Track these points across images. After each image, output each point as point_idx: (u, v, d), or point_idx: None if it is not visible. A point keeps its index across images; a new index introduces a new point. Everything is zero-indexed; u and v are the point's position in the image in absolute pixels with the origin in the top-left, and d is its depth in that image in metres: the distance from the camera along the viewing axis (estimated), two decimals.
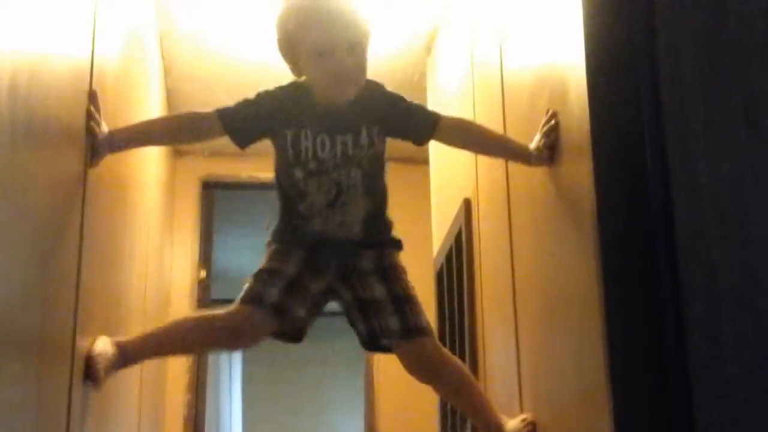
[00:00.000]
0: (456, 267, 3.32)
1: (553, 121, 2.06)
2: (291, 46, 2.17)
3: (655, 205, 1.65)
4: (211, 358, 5.90)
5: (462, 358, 3.12)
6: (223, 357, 7.21)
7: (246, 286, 2.16)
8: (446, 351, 2.24)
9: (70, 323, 1.99)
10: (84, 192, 2.10)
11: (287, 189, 2.21)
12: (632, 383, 1.62)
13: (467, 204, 3.22)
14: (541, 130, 2.11)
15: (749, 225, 1.62)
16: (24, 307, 1.60)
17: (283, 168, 2.21)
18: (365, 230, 2.20)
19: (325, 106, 2.17)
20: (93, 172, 2.16)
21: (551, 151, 2.07)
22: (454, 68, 3.59)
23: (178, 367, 4.85)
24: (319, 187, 2.16)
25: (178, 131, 2.38)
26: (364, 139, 2.17)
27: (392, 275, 2.20)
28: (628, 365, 1.64)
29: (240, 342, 2.23)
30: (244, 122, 2.19)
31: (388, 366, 5.06)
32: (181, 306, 5.10)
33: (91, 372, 2.04)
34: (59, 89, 1.83)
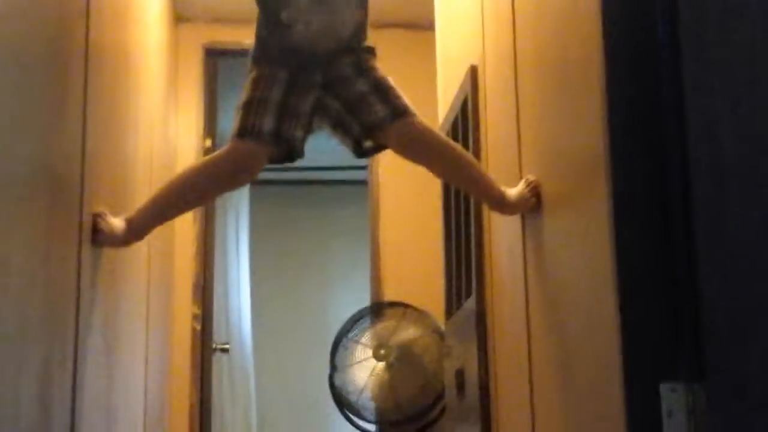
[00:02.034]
0: (461, 135, 3.30)
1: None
2: None
3: (664, 73, 1.62)
4: (218, 227, 5.94)
5: (467, 226, 3.15)
6: (230, 227, 7.26)
7: (236, 120, 2.16)
8: (435, 129, 2.33)
9: (77, 191, 2.00)
10: (86, 60, 2.07)
11: None
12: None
13: (473, 71, 3.18)
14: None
15: None
16: (31, 175, 1.60)
17: None
18: (353, 35, 2.21)
19: None
20: (94, 41, 2.14)
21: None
22: None
23: (185, 233, 4.89)
24: None
25: None
26: None
27: (371, 72, 2.23)
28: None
29: (243, 178, 2.25)
30: None
31: (393, 235, 5.13)
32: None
33: (97, 231, 2.10)
34: None
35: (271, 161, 2.20)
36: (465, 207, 3.20)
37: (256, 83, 2.19)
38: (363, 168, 5.54)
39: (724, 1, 1.59)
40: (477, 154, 3.01)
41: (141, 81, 3.26)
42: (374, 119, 2.19)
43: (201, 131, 5.12)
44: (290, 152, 2.20)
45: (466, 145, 3.18)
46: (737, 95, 1.56)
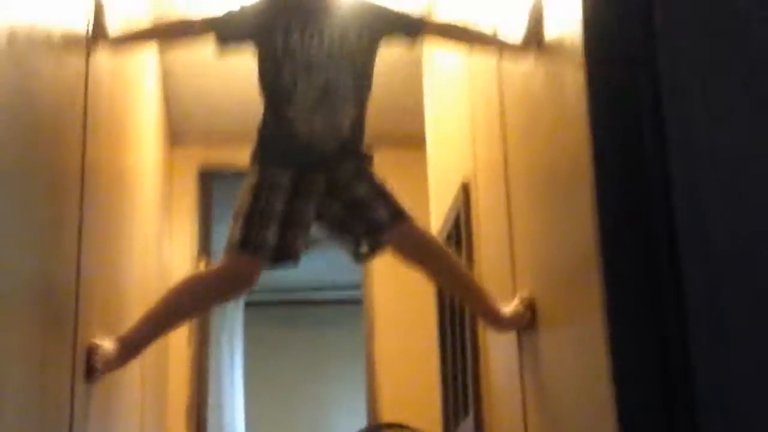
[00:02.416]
0: (455, 251, 3.31)
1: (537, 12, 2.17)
2: None
3: (653, 174, 1.64)
4: (212, 349, 5.89)
5: (463, 347, 3.12)
6: (225, 350, 7.20)
7: (236, 230, 2.14)
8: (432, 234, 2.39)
9: (72, 315, 1.99)
10: (82, 180, 2.09)
11: (274, 93, 2.24)
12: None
13: (465, 188, 3.21)
14: (528, 19, 2.20)
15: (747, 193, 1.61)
16: (26, 300, 1.59)
17: (270, 70, 2.23)
18: (349, 136, 2.24)
19: (311, 4, 2.25)
20: (90, 163, 2.15)
21: (536, 37, 2.16)
22: (448, 54, 3.56)
23: (179, 355, 4.84)
24: (308, 83, 2.20)
25: (167, 30, 2.49)
26: (351, 36, 2.22)
27: (371, 177, 2.28)
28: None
29: (242, 290, 2.25)
30: (230, 19, 2.25)
31: (388, 354, 5.08)
32: None
33: (91, 366, 2.06)
34: (55, 75, 1.82)
35: (273, 268, 2.20)
36: (460, 325, 3.18)
37: (258, 190, 2.18)
38: (357, 288, 5.53)
39: (707, 110, 1.62)
40: (471, 269, 3.00)
41: (136, 202, 3.28)
42: (377, 221, 2.23)
43: (195, 253, 5.12)
44: (289, 258, 2.21)
45: None
46: (725, 202, 1.58)
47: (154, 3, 3.81)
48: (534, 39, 2.17)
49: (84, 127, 2.12)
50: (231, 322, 7.20)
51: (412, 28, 2.30)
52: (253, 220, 2.14)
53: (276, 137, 2.24)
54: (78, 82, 2.08)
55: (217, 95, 4.69)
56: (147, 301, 3.46)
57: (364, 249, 2.28)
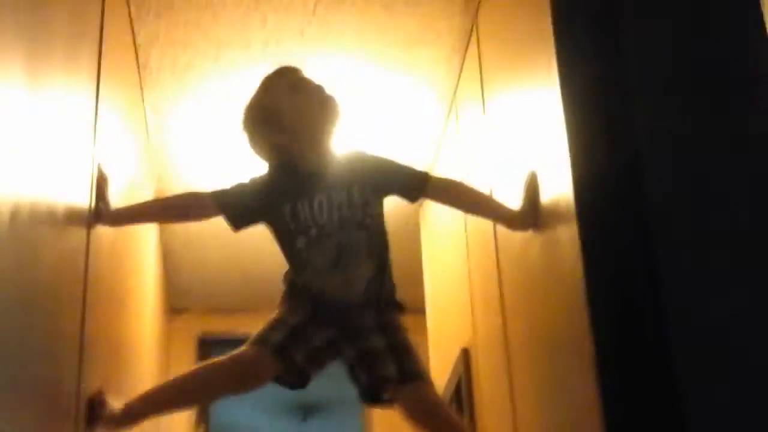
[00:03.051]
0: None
1: (532, 183, 2.17)
2: (267, 117, 2.30)
3: (652, 343, 1.64)
4: None
5: None
6: None
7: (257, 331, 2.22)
8: (444, 402, 2.29)
9: None
10: (81, 352, 2.08)
11: (291, 259, 2.28)
12: None
13: (465, 353, 3.19)
14: (523, 188, 2.21)
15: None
16: None
17: (284, 241, 2.27)
18: (368, 291, 2.24)
19: (314, 168, 2.26)
20: (90, 334, 2.16)
21: (534, 211, 2.16)
22: (446, 215, 3.62)
23: None
24: (320, 252, 2.22)
25: (174, 209, 2.47)
26: (356, 196, 2.24)
27: (392, 329, 2.24)
28: None
29: (246, 383, 2.21)
30: (239, 201, 2.27)
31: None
32: None
33: (92, 416, 2.10)
34: (57, 249, 1.84)
35: (278, 381, 2.21)
36: None
37: (281, 308, 2.26)
38: None
39: (706, 266, 1.64)
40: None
41: (135, 373, 3.26)
42: (383, 376, 2.18)
43: (194, 420, 5.04)
44: (298, 378, 2.22)
45: None
46: (730, 386, 1.58)
47: (157, 174, 3.90)
48: (531, 209, 2.19)
49: (84, 298, 2.13)
50: None
51: (416, 187, 2.32)
52: (267, 325, 2.21)
53: (297, 291, 2.28)
54: (79, 255, 2.11)
55: (216, 266, 4.73)
56: None
57: (368, 399, 2.25)
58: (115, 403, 2.18)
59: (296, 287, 2.28)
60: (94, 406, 2.12)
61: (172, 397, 2.25)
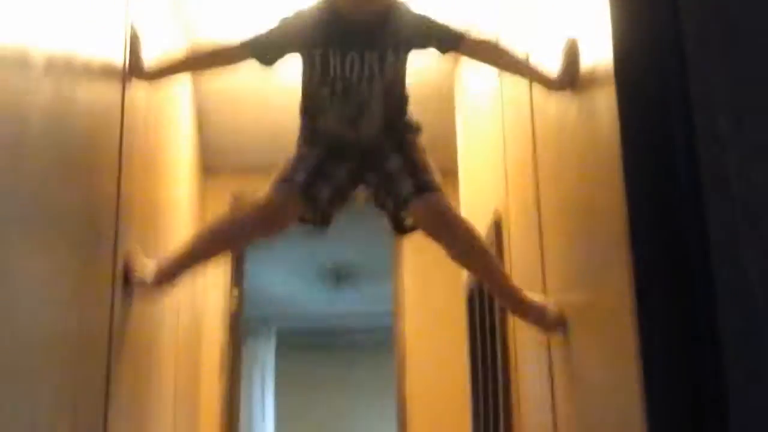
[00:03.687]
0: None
1: (572, 49, 2.13)
2: None
3: (687, 209, 1.63)
4: (244, 383, 5.89)
5: (495, 382, 3.11)
6: (256, 385, 7.18)
7: (277, 173, 2.25)
8: (458, 213, 2.33)
9: (104, 357, 2.00)
10: (117, 212, 2.11)
11: (311, 105, 2.30)
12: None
13: (497, 224, 3.20)
14: (562, 53, 2.18)
15: None
16: (58, 346, 1.61)
17: (310, 85, 2.28)
18: (385, 133, 2.29)
19: (355, 21, 2.22)
20: (126, 192, 2.18)
21: (572, 75, 2.14)
22: (481, 79, 3.58)
23: (211, 389, 4.86)
24: (342, 107, 2.25)
25: (205, 57, 2.47)
26: (390, 56, 2.23)
27: (408, 149, 2.28)
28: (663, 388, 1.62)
29: (275, 223, 2.26)
30: (268, 43, 2.26)
31: (419, 390, 5.06)
32: (215, 323, 5.11)
33: (129, 274, 2.18)
34: (92, 108, 1.84)
35: (303, 221, 2.26)
36: (492, 358, 3.17)
37: (298, 148, 2.30)
38: (387, 323, 5.54)
39: (742, 145, 1.62)
40: (503, 318, 2.99)
41: (171, 231, 3.30)
42: (401, 194, 2.23)
43: (228, 281, 5.14)
44: (321, 217, 2.27)
45: (491, 304, 3.18)
46: (761, 241, 1.56)
47: (188, 33, 3.87)
48: (569, 77, 2.16)
49: (119, 156, 2.15)
50: (263, 356, 7.21)
51: (449, 43, 2.30)
52: (288, 164, 2.25)
53: (312, 137, 2.31)
54: (114, 112, 2.11)
55: (249, 126, 4.73)
56: (179, 341, 3.47)
57: (397, 224, 2.30)
58: (149, 264, 2.21)
59: (314, 128, 2.30)
60: (128, 267, 2.17)
61: (204, 247, 2.28)
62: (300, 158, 2.26)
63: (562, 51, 2.18)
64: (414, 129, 2.33)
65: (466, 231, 2.27)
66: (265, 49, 2.25)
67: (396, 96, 2.30)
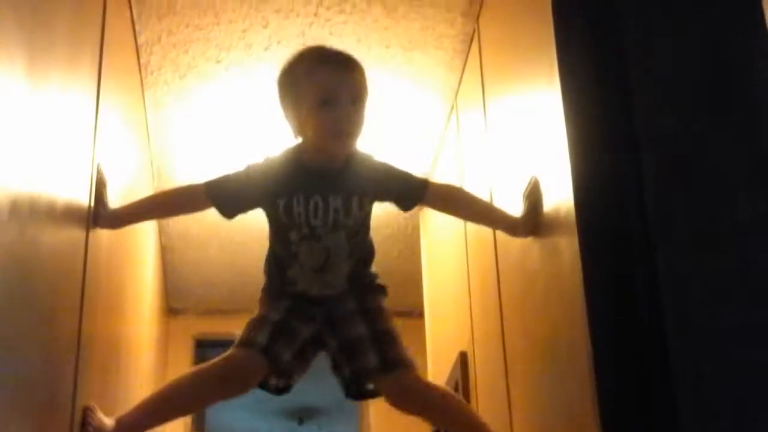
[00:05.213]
0: None
1: (534, 190, 2.15)
2: (295, 95, 2.17)
3: (648, 351, 1.64)
4: None
5: None
6: None
7: (240, 334, 2.19)
8: (430, 381, 2.26)
9: None
10: (78, 353, 2.08)
11: (279, 253, 2.25)
12: None
13: (463, 357, 3.19)
14: (524, 195, 2.19)
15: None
16: None
17: (278, 231, 2.24)
18: (348, 286, 2.24)
19: (317, 168, 2.19)
20: (87, 332, 2.15)
21: (536, 217, 2.14)
22: (446, 219, 3.62)
23: None
24: (310, 252, 2.20)
25: (169, 205, 2.46)
26: (355, 206, 2.19)
27: (374, 315, 2.22)
28: None
29: (236, 387, 2.17)
30: (231, 193, 2.22)
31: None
32: None
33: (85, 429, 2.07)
34: (55, 250, 1.84)
35: (267, 387, 2.19)
36: None
37: (261, 306, 2.25)
38: None
39: (707, 274, 1.64)
40: None
41: (132, 374, 3.25)
42: (364, 368, 2.17)
43: (189, 423, 5.05)
44: (284, 381, 2.20)
45: None
46: (724, 381, 1.58)
47: (156, 174, 3.90)
48: (532, 220, 2.17)
49: (81, 299, 2.13)
50: None
51: (411, 198, 2.29)
52: (250, 324, 2.19)
53: (278, 289, 2.27)
54: (77, 254, 2.10)
55: (214, 267, 4.73)
56: None
57: (352, 392, 2.23)
58: (106, 419, 2.14)
59: (278, 281, 2.26)
60: (85, 424, 2.09)
61: (163, 408, 2.20)
62: (261, 318, 2.21)
63: (524, 192, 2.22)
64: (378, 289, 2.29)
65: (443, 397, 2.21)
66: (227, 200, 2.22)
67: (360, 245, 2.27)
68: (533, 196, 2.17)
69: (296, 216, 2.18)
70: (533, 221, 2.17)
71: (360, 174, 2.22)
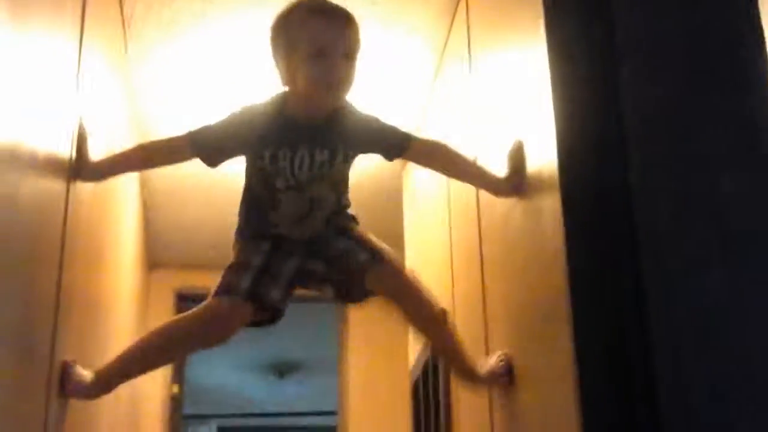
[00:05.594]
0: (432, 380, 3.28)
1: (518, 152, 2.17)
2: (288, 43, 2.14)
3: (629, 314, 1.65)
4: None
5: None
6: None
7: (218, 281, 2.18)
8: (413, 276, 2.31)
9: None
10: (57, 306, 2.07)
11: (261, 195, 2.25)
12: None
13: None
14: (507, 157, 2.21)
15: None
16: None
17: (261, 177, 2.23)
18: (325, 226, 2.28)
19: (304, 121, 2.19)
20: (65, 291, 2.14)
21: (519, 180, 2.16)
22: (428, 180, 3.61)
23: None
24: (294, 202, 2.22)
25: (152, 157, 2.42)
26: (340, 159, 2.22)
27: (351, 232, 2.28)
28: None
29: (219, 334, 2.18)
30: (214, 144, 2.21)
31: None
32: (153, 422, 5.00)
33: (65, 385, 2.08)
34: (35, 201, 1.82)
35: (253, 323, 2.19)
36: None
37: (239, 251, 2.25)
38: (332, 413, 5.47)
39: (684, 253, 1.65)
40: (448, 407, 2.98)
41: (112, 327, 3.25)
42: (357, 264, 2.22)
43: (168, 376, 5.06)
44: (267, 314, 2.20)
45: (435, 396, 3.16)
46: (704, 351, 1.59)
47: (139, 127, 3.87)
48: (516, 181, 2.19)
49: (61, 253, 2.12)
50: None
51: (396, 149, 2.30)
52: (231, 270, 2.19)
53: (257, 223, 2.27)
54: (58, 208, 2.09)
55: (194, 221, 4.72)
56: (118, 424, 3.39)
57: (350, 294, 2.27)
58: (85, 372, 2.14)
59: (256, 223, 2.27)
60: (64, 378, 2.09)
61: (143, 358, 2.21)
62: (243, 263, 2.20)
63: (508, 153, 2.22)
64: (352, 218, 2.33)
65: (424, 298, 2.28)
66: (210, 150, 2.21)
67: (341, 194, 2.30)
68: (516, 158, 2.18)
69: (281, 169, 2.19)
70: (517, 182, 2.18)
71: (347, 128, 2.21)
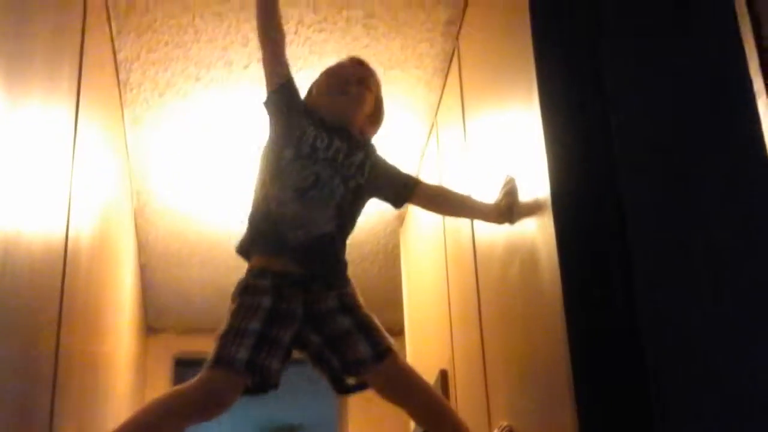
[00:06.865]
0: None
1: (511, 185, 2.22)
2: (316, 85, 2.41)
3: (629, 360, 1.65)
4: None
5: None
6: None
7: (212, 350, 2.11)
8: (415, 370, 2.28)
9: None
10: (55, 370, 2.06)
11: (270, 171, 2.27)
12: None
13: (444, 375, 3.18)
14: (501, 191, 2.25)
15: None
16: None
17: (275, 149, 2.28)
18: (331, 248, 2.25)
19: (331, 121, 2.31)
20: (63, 353, 2.13)
21: (511, 211, 2.20)
22: (426, 237, 3.62)
23: None
24: (300, 170, 2.23)
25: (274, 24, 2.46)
26: (356, 158, 2.29)
27: (353, 308, 2.23)
28: None
29: (215, 409, 2.12)
30: (297, 95, 2.34)
31: None
32: None
33: None
34: (33, 267, 1.83)
35: (246, 392, 2.13)
36: None
37: (237, 312, 2.17)
38: None
39: (679, 294, 1.65)
40: None
41: (109, 392, 3.23)
42: (357, 358, 2.18)
43: None
44: (265, 383, 2.14)
45: None
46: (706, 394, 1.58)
47: (134, 191, 3.87)
48: (509, 212, 2.22)
49: (59, 318, 2.11)
50: None
51: (406, 190, 2.37)
52: (228, 338, 2.11)
53: (263, 224, 2.25)
54: (55, 273, 2.09)
55: (193, 286, 4.71)
56: None
57: (347, 383, 2.23)
58: None
59: (262, 229, 2.24)
60: None
61: None
62: (239, 330, 2.12)
63: (501, 188, 2.24)
64: (350, 282, 2.29)
65: (426, 388, 2.25)
66: (293, 96, 2.32)
67: (348, 212, 2.29)
68: (508, 187, 2.23)
69: (305, 136, 2.26)
70: (508, 215, 2.23)
71: (368, 153, 2.33)
